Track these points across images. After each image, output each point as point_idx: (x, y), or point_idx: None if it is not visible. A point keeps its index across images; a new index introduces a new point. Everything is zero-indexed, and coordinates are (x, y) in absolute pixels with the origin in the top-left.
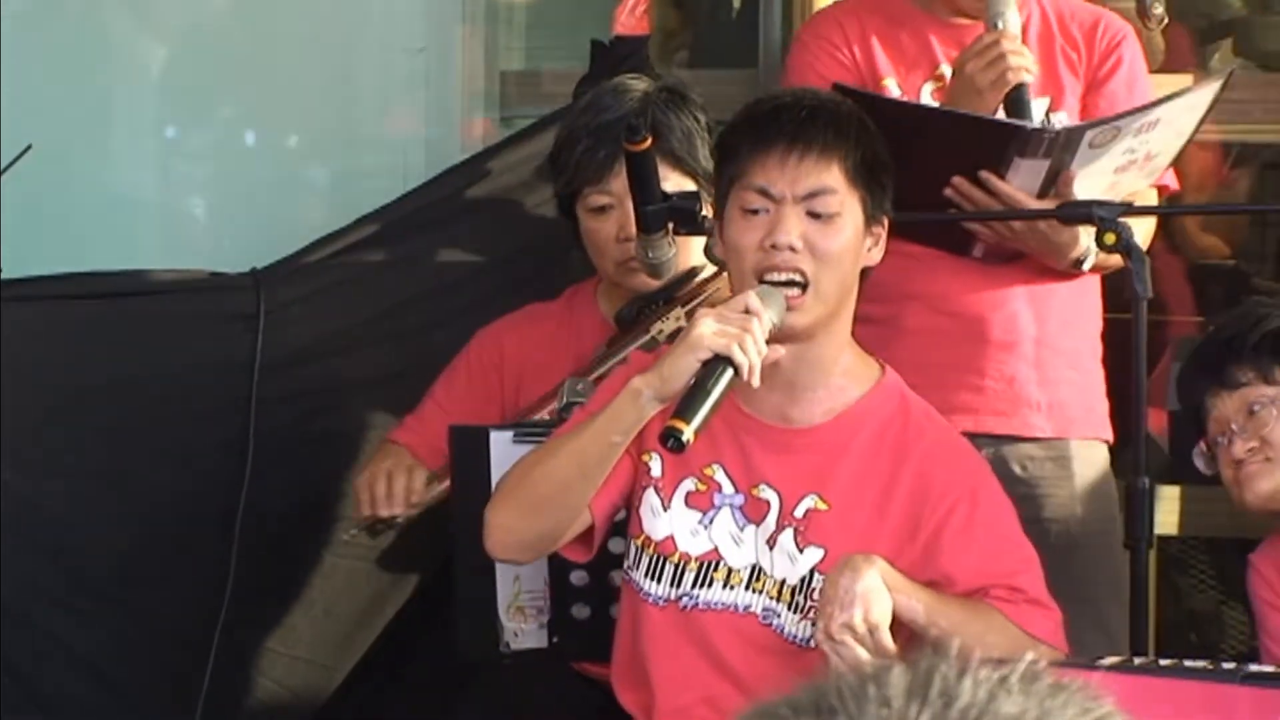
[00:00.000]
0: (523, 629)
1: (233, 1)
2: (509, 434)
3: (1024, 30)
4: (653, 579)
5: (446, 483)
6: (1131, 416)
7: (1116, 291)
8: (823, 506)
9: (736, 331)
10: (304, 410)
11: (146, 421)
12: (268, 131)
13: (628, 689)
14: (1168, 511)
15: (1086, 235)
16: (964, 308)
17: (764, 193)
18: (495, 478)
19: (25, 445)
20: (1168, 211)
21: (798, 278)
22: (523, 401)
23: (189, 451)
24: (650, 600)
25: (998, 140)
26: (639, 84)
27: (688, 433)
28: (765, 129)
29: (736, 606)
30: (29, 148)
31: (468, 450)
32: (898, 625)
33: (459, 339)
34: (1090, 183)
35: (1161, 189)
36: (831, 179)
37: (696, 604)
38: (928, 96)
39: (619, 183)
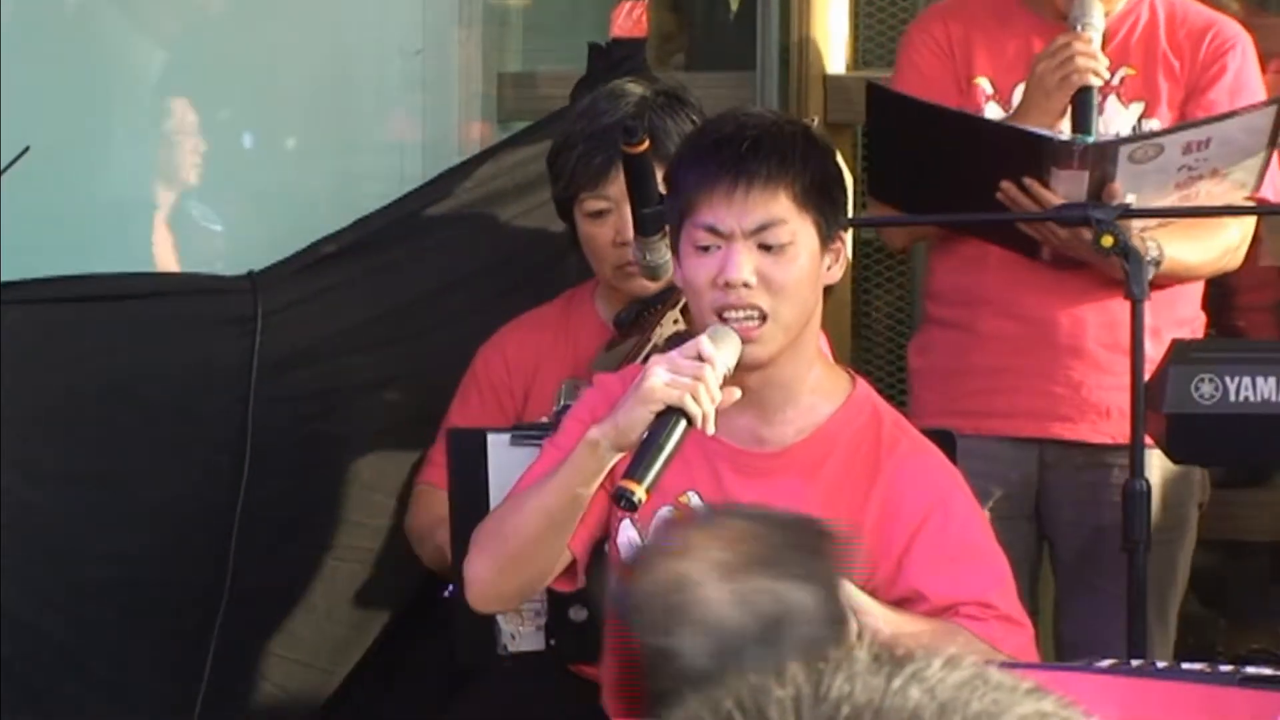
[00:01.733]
0: (520, 631)
1: (231, 4)
2: (506, 437)
3: (1130, 32)
4: None
5: None
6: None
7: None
8: None
9: (689, 382)
10: (302, 412)
11: (144, 424)
12: (265, 134)
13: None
14: None
15: (1155, 247)
16: (1032, 311)
17: (712, 230)
18: (493, 480)
19: (24, 447)
20: (1166, 213)
21: (754, 314)
22: (528, 407)
23: (187, 454)
24: None
25: (1032, 149)
26: (636, 87)
27: (639, 493)
28: (708, 164)
29: None
30: (27, 149)
31: (465, 453)
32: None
33: (457, 341)
34: (1150, 195)
35: (1261, 201)
36: (779, 209)
37: None
38: (1020, 97)
39: (616, 187)
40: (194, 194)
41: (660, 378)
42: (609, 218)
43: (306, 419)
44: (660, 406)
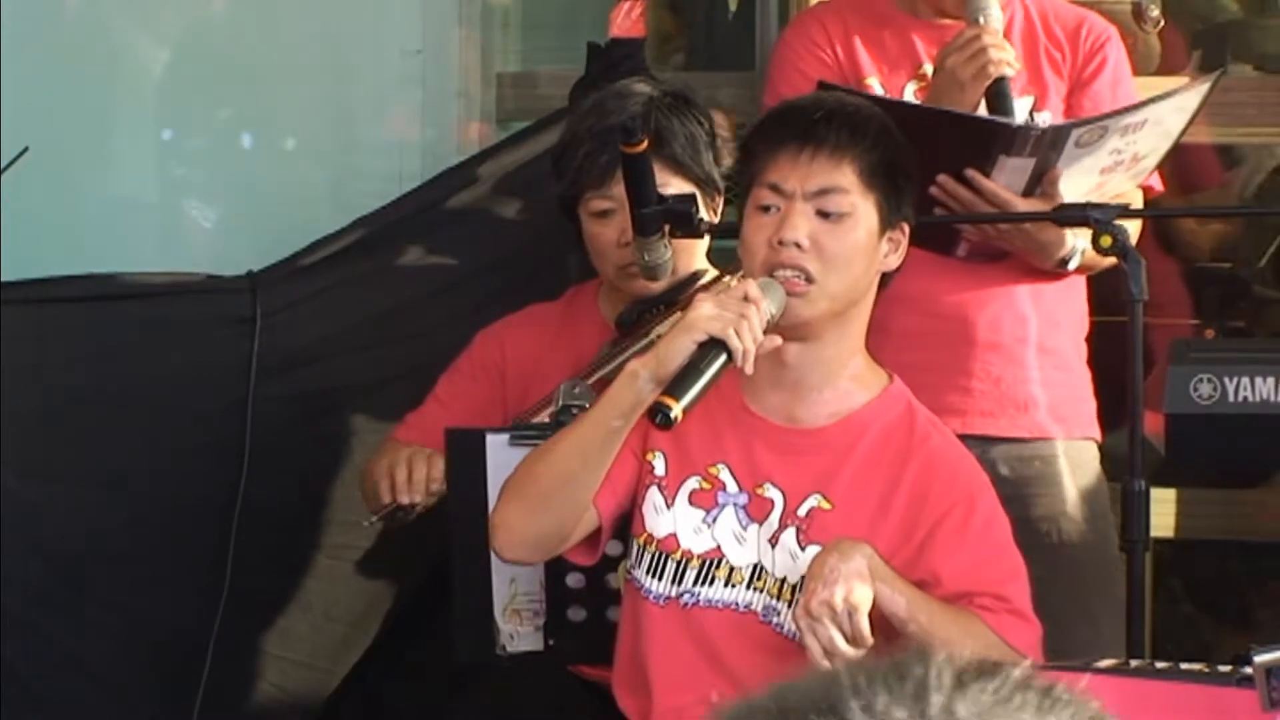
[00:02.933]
0: (519, 631)
1: (230, 4)
2: (505, 437)
3: (1007, 30)
4: (654, 576)
5: None
6: (1127, 419)
7: (1112, 294)
8: (826, 506)
9: (733, 316)
10: (301, 413)
11: (143, 424)
12: (264, 134)
13: (628, 694)
14: (1163, 514)
15: (1072, 235)
16: (949, 308)
17: (775, 189)
18: (492, 480)
19: (24, 447)
20: (1165, 214)
21: (801, 275)
22: (525, 402)
23: (186, 454)
24: (651, 598)
25: (983, 138)
26: (643, 87)
27: (676, 410)
28: (780, 128)
29: (737, 605)
30: (25, 150)
31: (464, 453)
32: (876, 618)
33: (456, 342)
34: (1076, 182)
35: (1146, 190)
36: (842, 178)
37: (697, 601)
38: (910, 96)
39: (621, 188)
40: (193, 194)
41: (706, 309)
42: (614, 217)
43: (306, 419)
44: (703, 336)
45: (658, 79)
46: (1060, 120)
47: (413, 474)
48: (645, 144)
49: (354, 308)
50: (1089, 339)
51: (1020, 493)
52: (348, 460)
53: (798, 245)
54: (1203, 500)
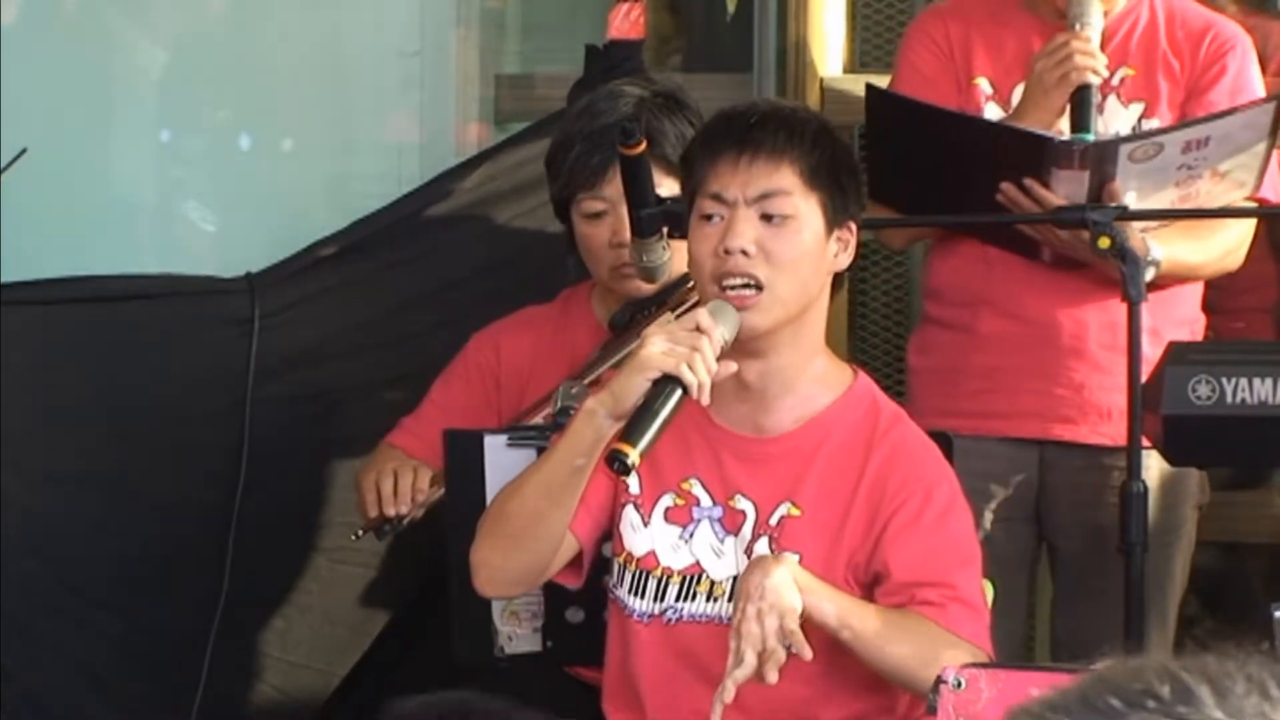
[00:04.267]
0: (517, 633)
1: (229, 5)
2: (503, 438)
3: (1129, 32)
4: (636, 595)
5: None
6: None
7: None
8: (795, 512)
9: (685, 351)
10: (299, 414)
11: (142, 426)
12: (264, 134)
13: (619, 710)
14: None
15: (1155, 248)
16: (1035, 312)
17: (717, 198)
18: (490, 482)
19: (22, 449)
20: (1164, 215)
21: (750, 283)
22: (520, 405)
23: (185, 456)
24: (635, 616)
25: (1032, 150)
26: (634, 88)
27: (633, 456)
28: (717, 138)
29: (720, 618)
30: (24, 151)
31: (462, 454)
32: (823, 638)
33: (455, 343)
34: (1151, 194)
35: (1261, 201)
36: (783, 180)
37: (681, 617)
38: (1019, 97)
39: (613, 188)
40: (192, 195)
41: (657, 346)
42: (606, 218)
43: (304, 420)
44: (656, 374)
45: (649, 80)
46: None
47: (398, 485)
48: (643, 145)
49: (352, 309)
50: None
51: (1098, 499)
52: (346, 461)
53: (744, 252)
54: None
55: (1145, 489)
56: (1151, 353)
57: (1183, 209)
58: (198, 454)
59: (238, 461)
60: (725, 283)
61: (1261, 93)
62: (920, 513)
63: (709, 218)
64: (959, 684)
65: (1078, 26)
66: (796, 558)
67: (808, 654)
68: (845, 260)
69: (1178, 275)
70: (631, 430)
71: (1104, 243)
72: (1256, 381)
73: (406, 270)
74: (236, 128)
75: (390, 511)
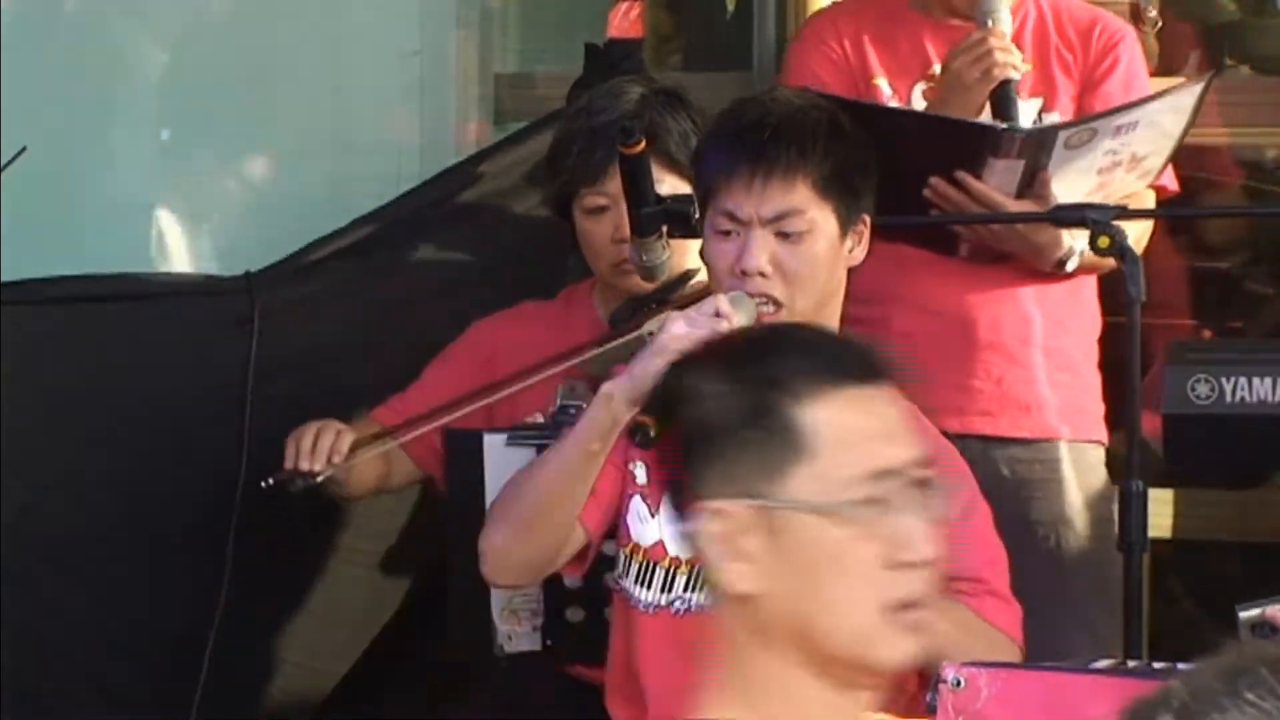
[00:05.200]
0: (516, 632)
1: (229, 5)
2: (502, 437)
3: (1019, 30)
4: (643, 585)
5: (370, 453)
6: (1125, 419)
7: (1110, 294)
8: None
9: (705, 334)
10: (299, 413)
11: (142, 425)
12: (264, 134)
13: (621, 704)
14: (1161, 515)
15: (1070, 237)
16: (951, 308)
17: (731, 216)
18: (489, 481)
19: (23, 449)
20: (1162, 215)
21: (767, 302)
22: (519, 402)
23: (185, 454)
24: (641, 608)
25: (971, 141)
26: (636, 86)
27: (655, 428)
28: (731, 151)
29: None
30: (24, 150)
31: (462, 453)
32: None
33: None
34: (1072, 183)
35: (1159, 189)
36: (797, 198)
37: (689, 608)
38: (919, 96)
39: (615, 184)
40: (193, 194)
41: (678, 329)
42: (607, 214)
43: (304, 420)
44: (676, 357)
45: (650, 78)
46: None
47: (318, 442)
48: (643, 144)
49: (352, 308)
50: (1100, 340)
51: (1020, 494)
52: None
53: (761, 273)
54: (1201, 500)
55: (1145, 488)
56: (1059, 343)
57: (1184, 210)
58: (198, 453)
59: (238, 461)
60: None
61: (1148, 82)
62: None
63: (725, 232)
64: (958, 683)
65: (990, 23)
66: None
67: None
68: (860, 254)
69: (1085, 266)
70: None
71: (1103, 242)
72: (1256, 381)
73: (407, 269)
74: (236, 127)
75: (304, 466)
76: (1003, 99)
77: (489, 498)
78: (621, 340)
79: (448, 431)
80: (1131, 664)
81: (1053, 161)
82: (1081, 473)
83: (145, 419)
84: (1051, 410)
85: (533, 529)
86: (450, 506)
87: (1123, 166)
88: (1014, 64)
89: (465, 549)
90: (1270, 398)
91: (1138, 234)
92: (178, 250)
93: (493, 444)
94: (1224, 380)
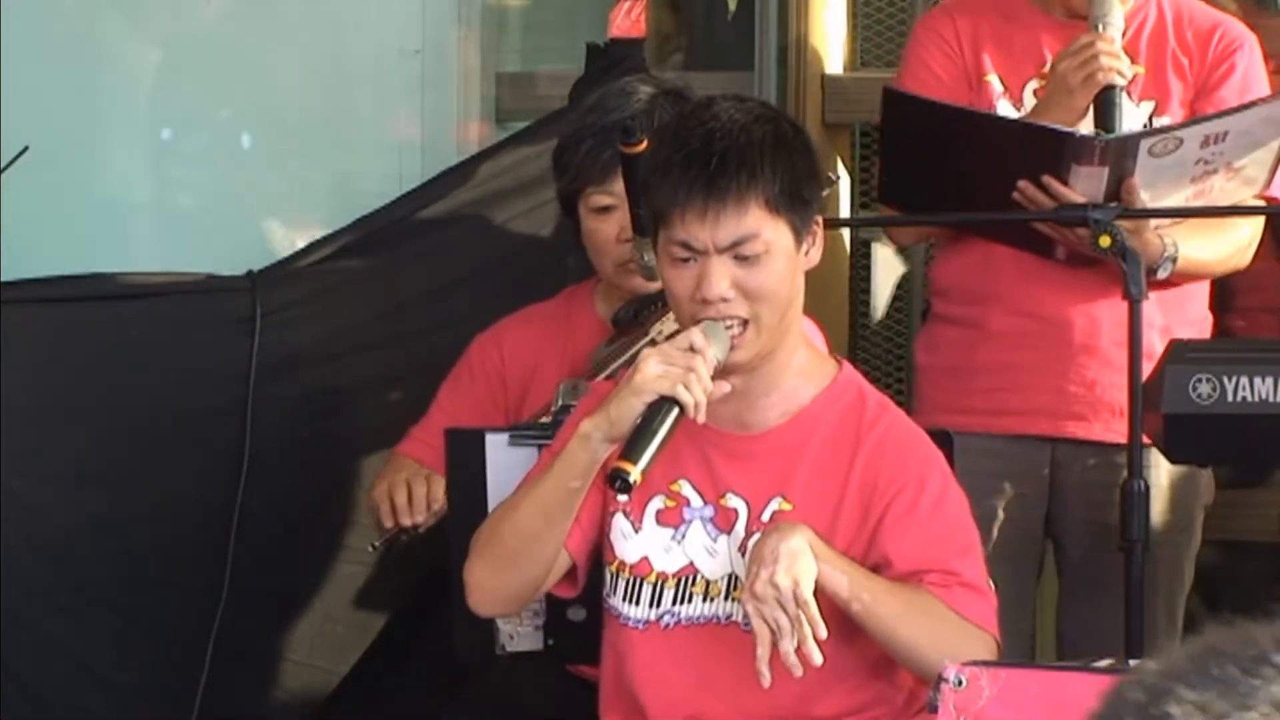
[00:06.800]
0: (518, 631)
1: (230, 4)
2: (504, 437)
3: (1137, 31)
4: (631, 602)
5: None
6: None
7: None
8: (787, 507)
9: (680, 372)
10: (301, 413)
11: (144, 424)
12: (264, 134)
13: (615, 717)
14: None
15: (1170, 245)
16: (1046, 310)
17: (686, 245)
18: (491, 481)
19: (24, 447)
20: (1161, 214)
21: (734, 323)
22: (525, 403)
23: (186, 454)
24: (631, 624)
25: (1052, 146)
26: (645, 86)
27: (634, 474)
28: (679, 180)
29: (718, 617)
30: (25, 149)
31: (463, 453)
32: (821, 598)
33: (457, 341)
34: (1165, 190)
35: (1269, 200)
36: (751, 222)
37: (678, 621)
38: (1031, 95)
39: (622, 184)
40: (193, 194)
41: (653, 369)
42: (614, 213)
43: (306, 419)
44: (653, 397)
45: (661, 78)
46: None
47: (412, 495)
48: (644, 144)
49: (354, 307)
50: None
51: (1108, 498)
52: (347, 460)
53: (723, 299)
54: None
55: (1146, 487)
56: (1162, 348)
57: (1188, 207)
58: (198, 453)
59: (239, 460)
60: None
61: (1267, 90)
62: (915, 502)
63: (683, 259)
64: (960, 682)
65: (1100, 27)
66: (809, 528)
67: (822, 631)
68: (816, 255)
69: (1190, 273)
70: (631, 448)
71: (1104, 241)
72: (1258, 380)
73: (408, 269)
74: (238, 126)
75: (406, 522)
76: (1105, 104)
77: (491, 497)
78: (641, 345)
79: (449, 431)
80: (1133, 663)
81: (1140, 168)
82: (1168, 477)
83: (146, 419)
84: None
85: (516, 563)
86: (452, 505)
87: (1219, 175)
88: (1120, 70)
89: (467, 547)
90: (1272, 397)
91: (1245, 242)
92: (180, 249)
93: (495, 443)
94: (1225, 379)
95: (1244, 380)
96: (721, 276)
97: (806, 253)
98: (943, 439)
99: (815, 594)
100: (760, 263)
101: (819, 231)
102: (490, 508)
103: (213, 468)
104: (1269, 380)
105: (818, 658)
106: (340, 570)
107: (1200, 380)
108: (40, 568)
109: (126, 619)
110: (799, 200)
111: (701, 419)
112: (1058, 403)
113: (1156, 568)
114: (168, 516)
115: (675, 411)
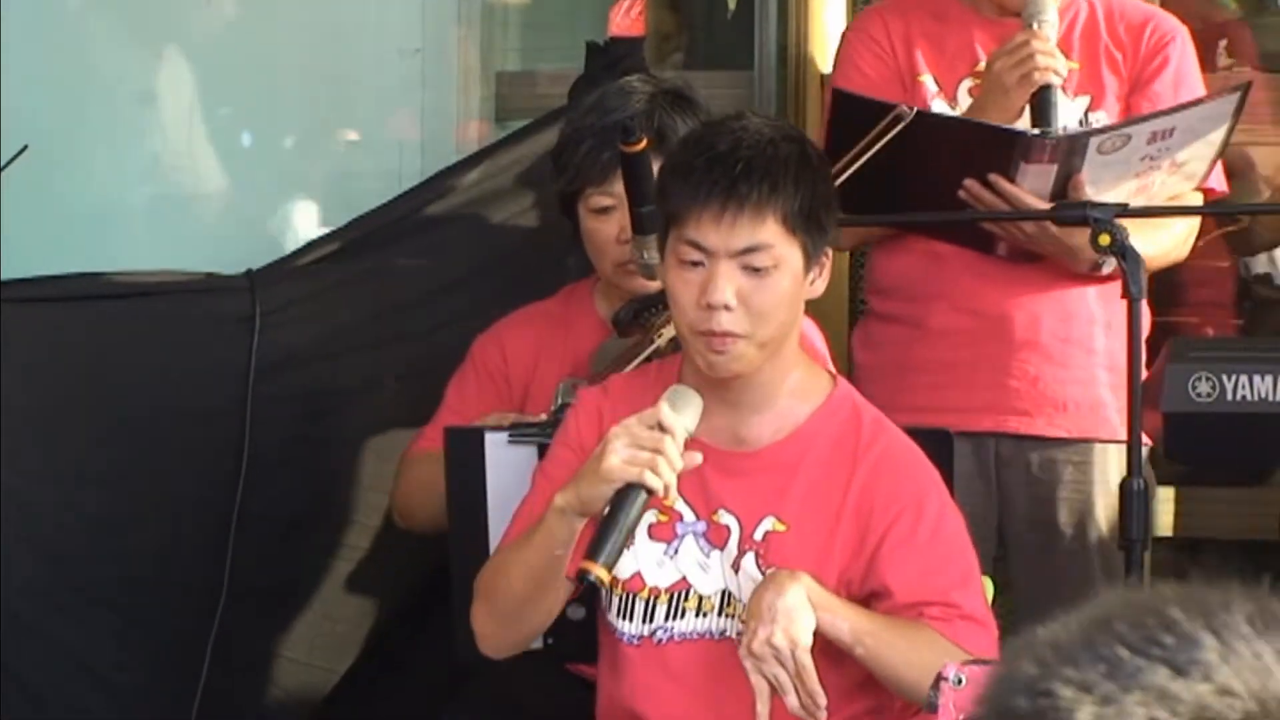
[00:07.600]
0: None
1: (230, 4)
2: (504, 435)
3: (1069, 27)
4: (624, 618)
5: None
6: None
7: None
8: (780, 528)
9: (648, 457)
10: (300, 412)
11: (143, 423)
12: (264, 132)
13: None
14: (1163, 513)
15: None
16: (988, 306)
17: (698, 246)
18: (490, 479)
19: (23, 447)
20: (1161, 213)
21: (732, 341)
22: (527, 401)
23: (185, 453)
24: (625, 640)
25: (1001, 145)
26: (645, 86)
27: (597, 572)
28: (700, 182)
29: (711, 633)
30: (25, 148)
31: (463, 451)
32: (822, 640)
33: (456, 340)
34: (1109, 186)
35: (1208, 192)
36: (766, 234)
37: (671, 636)
38: (965, 94)
39: (621, 184)
40: (193, 193)
41: (619, 455)
42: (614, 214)
43: (305, 418)
44: (620, 484)
45: (658, 78)
46: (1115, 121)
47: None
48: (644, 143)
49: (353, 306)
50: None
51: (1051, 494)
52: (348, 459)
53: (726, 307)
54: (1202, 499)
55: (1145, 486)
56: (1108, 344)
57: (1186, 206)
58: (198, 451)
59: (238, 459)
60: (702, 328)
61: (1201, 83)
62: (914, 529)
63: (691, 262)
64: (960, 681)
65: (1035, 25)
66: (807, 576)
67: (821, 699)
68: (821, 286)
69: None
70: (597, 546)
71: (1104, 240)
72: (1257, 379)
73: (407, 267)
74: (237, 125)
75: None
76: (1042, 103)
77: (491, 496)
78: (651, 351)
79: (449, 429)
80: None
81: (1087, 166)
82: (1114, 474)
83: (146, 418)
84: (1089, 410)
85: (517, 618)
86: (452, 504)
87: (1162, 170)
88: (1055, 69)
89: (466, 547)
90: (1271, 395)
91: (1182, 237)
92: (179, 249)
93: (494, 442)
94: (1225, 378)
95: (1243, 379)
96: (728, 282)
97: (813, 281)
98: (942, 439)
99: (815, 632)
100: (768, 277)
101: (828, 264)
102: (490, 506)
103: (212, 467)
104: (1269, 379)
105: (821, 717)
106: (340, 570)
107: (1200, 379)
108: (40, 568)
109: (126, 619)
110: (815, 223)
111: (673, 499)
112: (999, 398)
113: (1097, 571)
114: (167, 516)
115: (643, 497)
